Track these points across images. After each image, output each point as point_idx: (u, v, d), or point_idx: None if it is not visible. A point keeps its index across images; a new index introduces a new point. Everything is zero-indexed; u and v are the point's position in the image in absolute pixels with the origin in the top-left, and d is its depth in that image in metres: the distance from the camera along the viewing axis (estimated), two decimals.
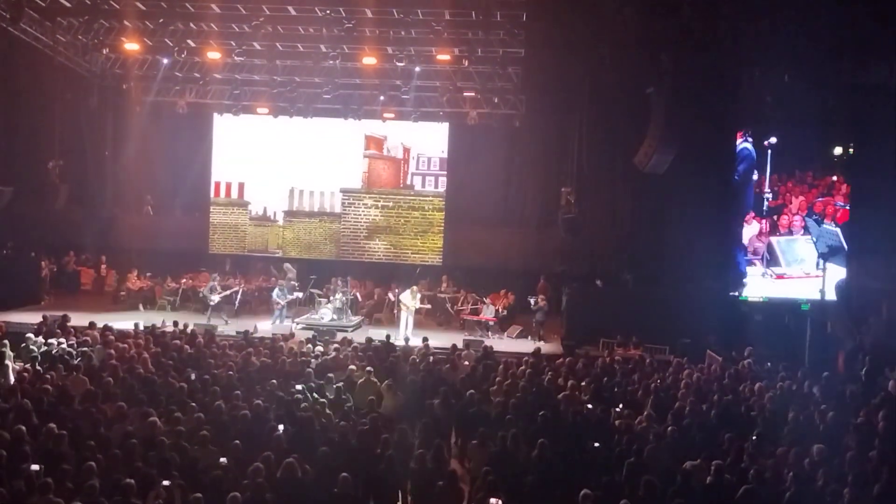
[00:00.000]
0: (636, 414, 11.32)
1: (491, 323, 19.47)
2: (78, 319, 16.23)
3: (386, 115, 22.00)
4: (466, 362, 14.24)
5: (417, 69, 19.64)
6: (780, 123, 17.65)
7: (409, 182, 22.77)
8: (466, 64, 18.48)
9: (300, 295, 20.10)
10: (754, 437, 9.96)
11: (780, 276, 17.87)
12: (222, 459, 8.74)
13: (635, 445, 9.61)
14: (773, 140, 17.78)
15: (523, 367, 13.46)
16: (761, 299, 17.83)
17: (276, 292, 19.25)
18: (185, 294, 21.27)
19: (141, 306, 20.58)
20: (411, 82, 20.26)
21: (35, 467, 8.16)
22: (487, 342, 16.66)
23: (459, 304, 20.71)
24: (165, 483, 7.70)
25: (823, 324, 17.48)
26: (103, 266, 22.94)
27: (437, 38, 17.43)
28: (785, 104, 17.35)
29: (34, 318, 16.37)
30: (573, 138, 20.11)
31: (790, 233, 17.90)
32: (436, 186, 22.64)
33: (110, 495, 7.56)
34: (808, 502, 8.39)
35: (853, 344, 16.27)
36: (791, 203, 17.87)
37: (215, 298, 19.12)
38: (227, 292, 19.70)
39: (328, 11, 16.94)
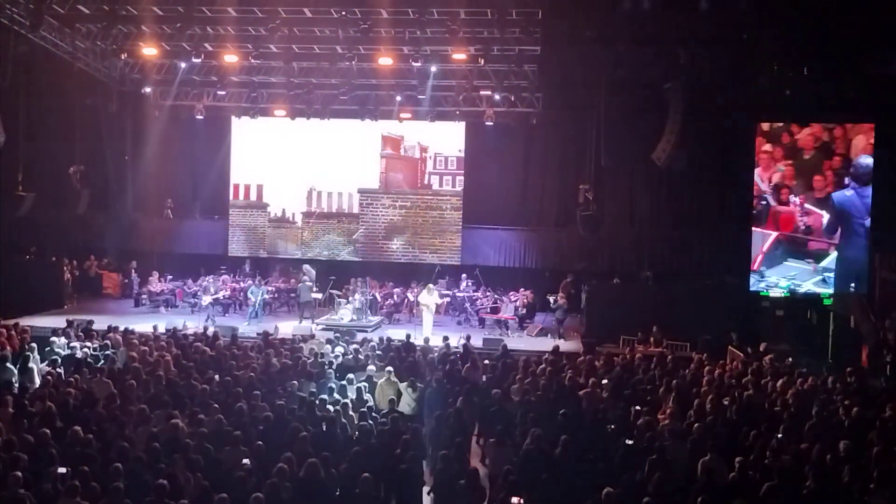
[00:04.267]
0: (658, 411, 11.27)
1: (510, 321, 19.46)
2: (100, 323, 16.38)
3: (402, 115, 22.00)
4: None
5: (433, 69, 19.64)
6: (799, 117, 17.51)
7: (426, 182, 22.77)
8: (482, 62, 18.45)
9: (319, 296, 20.16)
10: (779, 435, 9.87)
11: None
12: (245, 461, 8.78)
13: (657, 443, 9.58)
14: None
15: (543, 366, 13.43)
16: (783, 294, 17.69)
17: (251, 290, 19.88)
18: None
19: (162, 309, 20.77)
20: (427, 82, 20.25)
21: (62, 470, 8.24)
22: (507, 341, 16.64)
23: (479, 303, 20.71)
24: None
25: (846, 318, 17.34)
26: (130, 270, 23.09)
27: (452, 38, 17.40)
28: (804, 98, 17.22)
29: (57, 322, 16.52)
30: (590, 135, 20.06)
31: None
32: (453, 186, 22.63)
33: (136, 497, 7.63)
34: (832, 499, 8.31)
35: (877, 338, 16.12)
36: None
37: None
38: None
39: (343, 13, 16.98)
